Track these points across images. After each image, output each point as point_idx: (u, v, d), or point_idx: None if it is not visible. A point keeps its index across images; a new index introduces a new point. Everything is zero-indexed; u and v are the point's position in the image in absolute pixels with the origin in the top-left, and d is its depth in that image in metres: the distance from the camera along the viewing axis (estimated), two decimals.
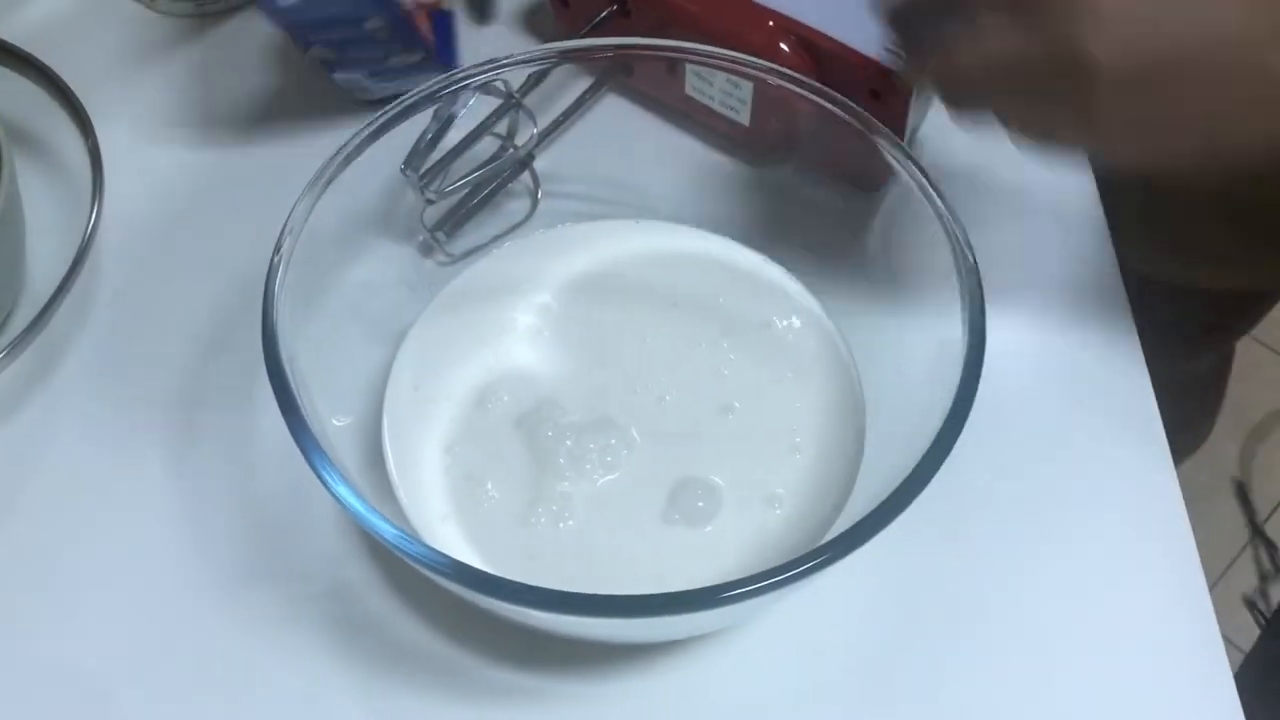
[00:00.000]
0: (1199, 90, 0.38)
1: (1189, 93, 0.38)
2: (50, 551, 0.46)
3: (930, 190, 0.43)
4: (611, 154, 0.56)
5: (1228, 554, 1.36)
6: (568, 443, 0.44)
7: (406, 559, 0.37)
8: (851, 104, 0.45)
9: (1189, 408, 1.15)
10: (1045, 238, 0.55)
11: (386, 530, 0.36)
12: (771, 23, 0.52)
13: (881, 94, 0.50)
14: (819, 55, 0.52)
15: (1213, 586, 0.45)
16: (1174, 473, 0.48)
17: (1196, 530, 0.46)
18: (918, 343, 0.43)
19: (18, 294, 0.52)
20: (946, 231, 0.42)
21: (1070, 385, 0.51)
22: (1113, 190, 0.56)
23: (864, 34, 0.49)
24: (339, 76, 0.55)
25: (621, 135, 0.57)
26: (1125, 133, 0.39)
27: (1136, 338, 0.52)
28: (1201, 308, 0.87)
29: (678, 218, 0.52)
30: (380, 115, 0.45)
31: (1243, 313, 0.94)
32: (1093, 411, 0.50)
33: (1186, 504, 0.47)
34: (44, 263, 0.53)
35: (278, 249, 0.41)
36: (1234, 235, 0.72)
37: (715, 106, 0.54)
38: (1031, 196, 0.56)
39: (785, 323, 0.48)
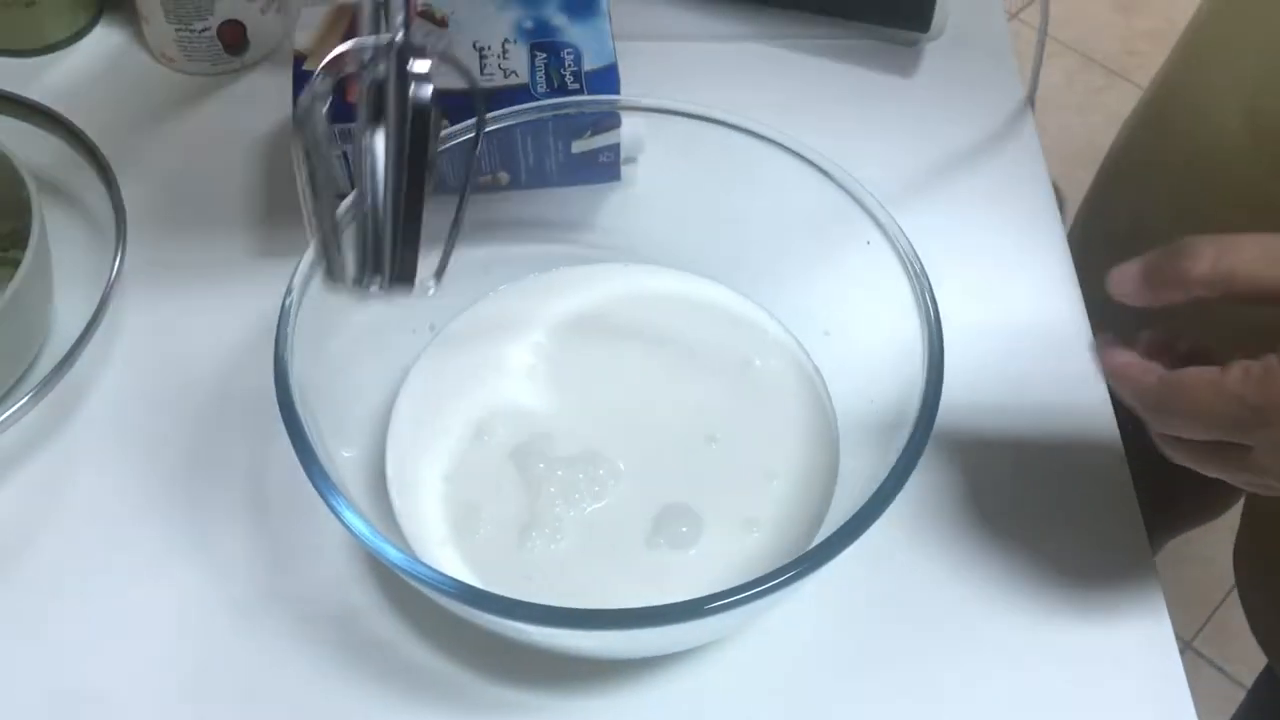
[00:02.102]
0: None
1: None
2: (74, 578, 0.49)
3: (902, 246, 0.46)
4: (602, 201, 0.59)
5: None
6: (559, 473, 0.48)
7: (410, 580, 0.40)
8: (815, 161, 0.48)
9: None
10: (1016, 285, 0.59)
11: (392, 554, 0.39)
12: None
13: None
14: None
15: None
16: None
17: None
18: (888, 384, 0.46)
19: (45, 338, 0.56)
20: (910, 281, 0.45)
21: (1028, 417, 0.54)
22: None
23: None
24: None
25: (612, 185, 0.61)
26: None
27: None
28: None
29: (663, 261, 0.55)
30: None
31: None
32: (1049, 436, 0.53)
33: None
34: (69, 308, 0.56)
35: (289, 292, 0.45)
36: None
37: None
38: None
39: (763, 361, 0.52)
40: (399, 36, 0.37)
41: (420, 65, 0.37)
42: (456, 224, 0.41)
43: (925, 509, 0.51)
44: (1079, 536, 0.51)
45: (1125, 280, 0.41)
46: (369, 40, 0.38)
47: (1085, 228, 0.84)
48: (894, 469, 0.40)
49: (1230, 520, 0.45)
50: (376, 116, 0.38)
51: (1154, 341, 0.42)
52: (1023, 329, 0.57)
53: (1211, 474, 0.41)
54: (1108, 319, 0.61)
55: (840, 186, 0.48)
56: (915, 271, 0.45)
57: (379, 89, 0.38)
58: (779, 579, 0.38)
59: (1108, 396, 0.54)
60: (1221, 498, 1.00)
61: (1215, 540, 1.22)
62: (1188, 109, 0.70)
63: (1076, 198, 0.87)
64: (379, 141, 0.38)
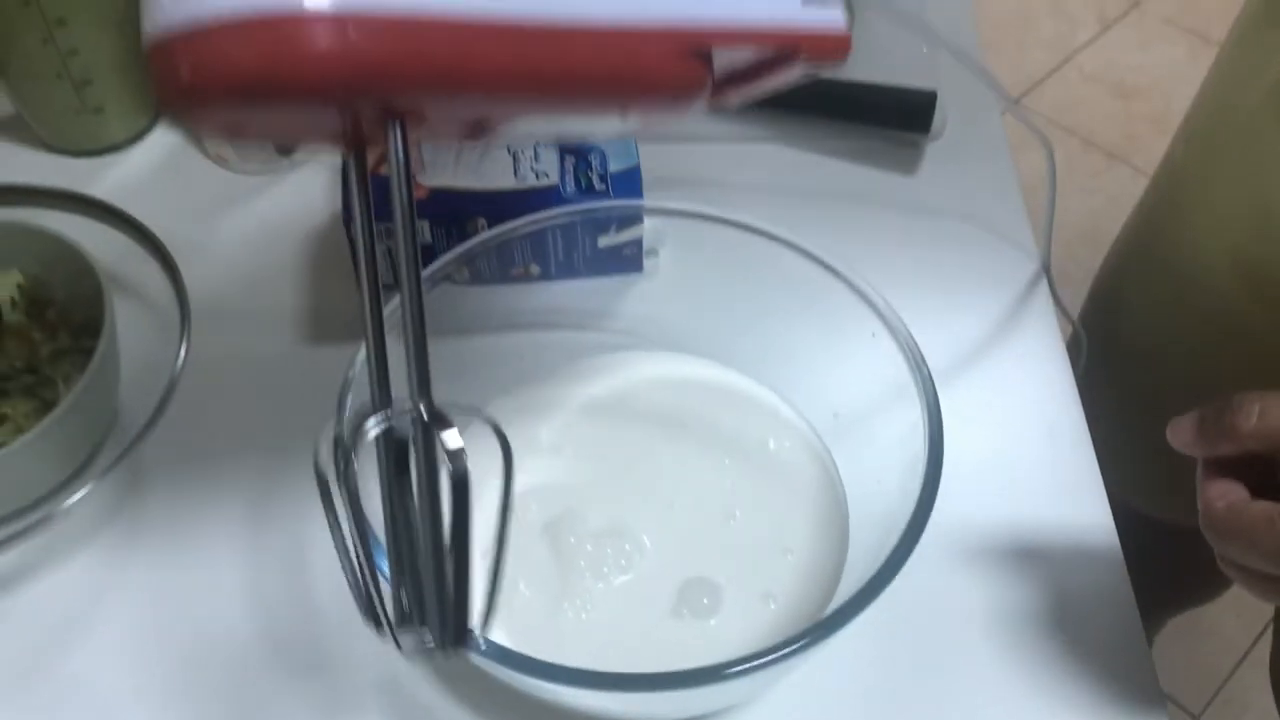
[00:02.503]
0: None
1: None
2: (133, 647, 0.53)
3: (900, 332, 0.50)
4: (626, 291, 0.63)
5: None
6: (588, 547, 0.51)
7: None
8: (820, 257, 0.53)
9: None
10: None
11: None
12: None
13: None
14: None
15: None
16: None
17: None
18: (893, 467, 0.50)
19: (113, 421, 0.60)
20: (911, 370, 0.49)
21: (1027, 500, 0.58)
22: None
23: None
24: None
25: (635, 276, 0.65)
26: None
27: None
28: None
29: (683, 348, 0.59)
30: (433, 270, 0.53)
31: None
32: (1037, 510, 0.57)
33: None
34: (135, 395, 0.60)
35: (351, 365, 0.49)
36: None
37: None
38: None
39: (778, 443, 0.56)
40: (422, 407, 0.35)
41: (452, 439, 0.34)
42: (498, 571, 0.39)
43: (929, 589, 0.54)
44: (1076, 627, 0.54)
45: (1182, 432, 0.44)
46: (381, 414, 0.35)
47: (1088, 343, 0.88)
48: (893, 551, 0.43)
49: (1243, 599, 0.48)
50: (400, 469, 0.36)
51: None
52: (1019, 415, 0.61)
53: (1264, 601, 0.44)
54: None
55: (847, 282, 0.52)
56: (916, 362, 0.49)
57: (400, 446, 0.36)
58: (788, 649, 0.42)
59: (1103, 489, 0.58)
60: (1216, 587, 1.03)
61: (1221, 613, 1.25)
62: (1173, 247, 0.73)
63: (1078, 275, 0.92)
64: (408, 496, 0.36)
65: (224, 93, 0.29)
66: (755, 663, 0.41)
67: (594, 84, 0.34)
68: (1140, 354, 0.65)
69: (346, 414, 0.38)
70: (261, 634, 0.53)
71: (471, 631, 0.37)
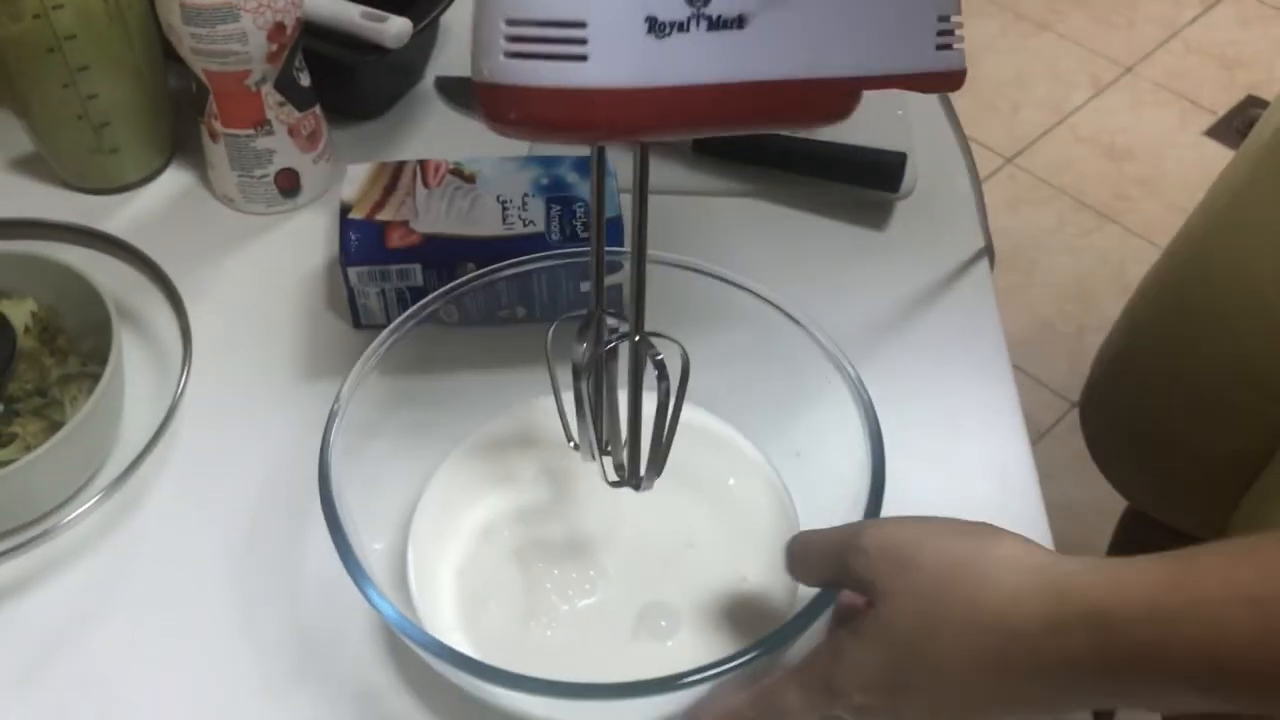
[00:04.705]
0: None
1: None
2: (131, 652, 0.56)
3: (850, 375, 0.54)
4: None
5: None
6: (555, 572, 0.55)
7: (428, 657, 0.46)
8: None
9: None
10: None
11: (416, 633, 0.47)
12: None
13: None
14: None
15: None
16: None
17: None
18: (842, 497, 0.54)
19: (114, 443, 0.64)
20: (859, 411, 0.53)
21: None
22: None
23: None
24: None
25: None
26: None
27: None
28: None
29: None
30: (420, 305, 0.57)
31: None
32: None
33: None
34: (137, 419, 0.64)
35: (336, 399, 0.53)
36: None
37: None
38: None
39: (738, 480, 0.59)
40: (636, 338, 0.50)
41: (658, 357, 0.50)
42: (669, 441, 0.51)
43: None
44: None
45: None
46: (613, 325, 0.51)
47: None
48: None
49: None
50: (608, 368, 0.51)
51: None
52: (972, 460, 0.65)
53: None
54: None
55: (805, 329, 0.56)
56: (864, 403, 0.53)
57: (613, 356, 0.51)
58: (733, 663, 0.45)
59: (1048, 530, 0.61)
60: None
61: None
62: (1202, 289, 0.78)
63: (1068, 330, 0.96)
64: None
65: (532, 130, 0.45)
66: (702, 675, 0.45)
67: (782, 118, 0.46)
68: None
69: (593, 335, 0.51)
70: (249, 646, 0.56)
71: (640, 476, 0.52)
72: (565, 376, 0.52)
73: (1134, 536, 1.08)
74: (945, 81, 0.47)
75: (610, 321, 0.51)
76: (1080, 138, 2.08)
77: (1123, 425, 0.90)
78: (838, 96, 0.45)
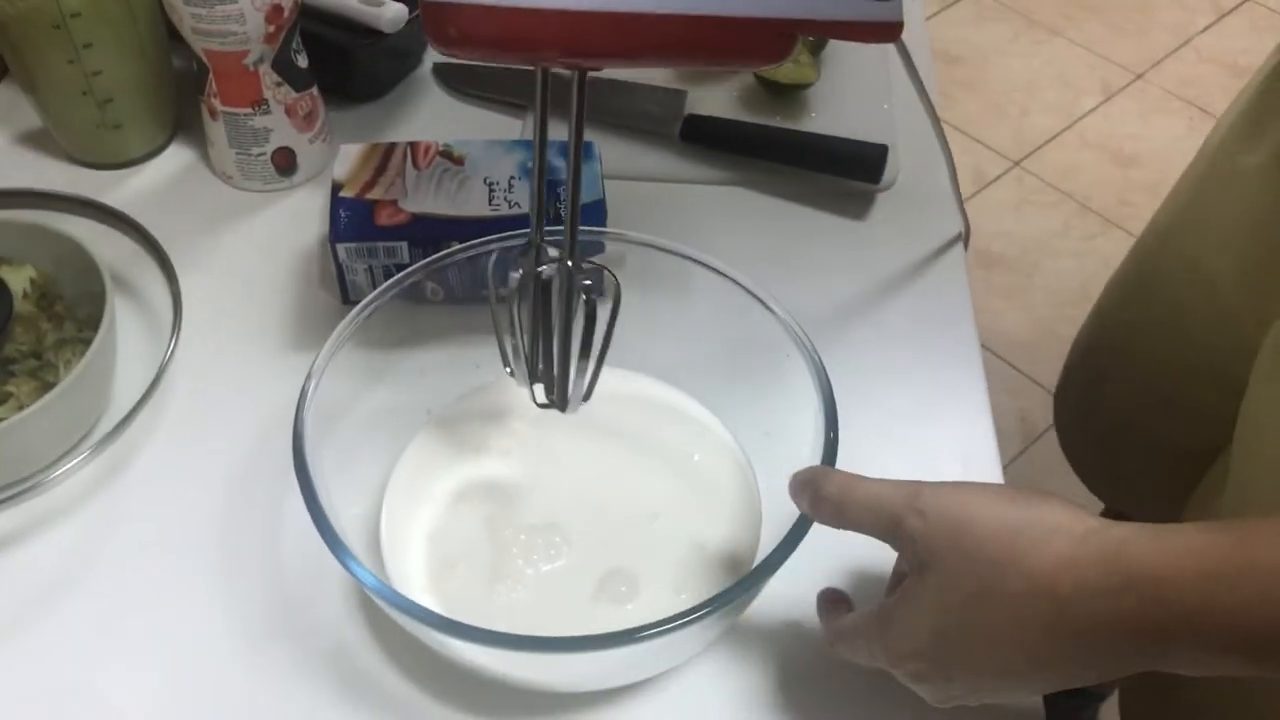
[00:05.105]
0: None
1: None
2: (117, 605, 0.59)
3: (811, 355, 0.56)
4: None
5: None
6: (522, 538, 0.57)
7: (398, 614, 0.48)
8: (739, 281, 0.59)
9: None
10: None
11: (385, 591, 0.48)
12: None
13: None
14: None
15: None
16: None
17: None
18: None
19: (105, 406, 0.66)
20: (818, 389, 0.55)
21: None
22: None
23: None
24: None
25: None
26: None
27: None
28: None
29: (632, 366, 0.65)
30: (392, 282, 0.59)
31: None
32: None
33: None
34: (128, 382, 0.66)
35: (309, 377, 0.55)
36: None
37: None
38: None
39: (702, 455, 0.61)
40: (570, 263, 0.52)
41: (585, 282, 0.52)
42: (600, 361, 0.54)
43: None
44: None
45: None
46: (551, 255, 0.53)
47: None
48: (777, 547, 0.49)
49: None
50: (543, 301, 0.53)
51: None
52: (936, 444, 0.66)
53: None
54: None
55: (770, 310, 0.58)
56: (822, 382, 0.55)
57: (546, 284, 0.53)
58: (687, 618, 0.47)
59: None
60: None
61: None
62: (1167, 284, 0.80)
63: (1067, 333, 0.97)
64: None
65: (471, 48, 0.47)
66: (655, 630, 0.46)
67: (719, 55, 0.49)
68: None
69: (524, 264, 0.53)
70: (229, 602, 0.59)
71: (568, 399, 0.55)
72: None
73: None
74: (881, 32, 0.48)
75: (552, 252, 0.53)
76: (1088, 143, 2.09)
77: (1087, 418, 0.91)
78: (774, 37, 0.47)
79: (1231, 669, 0.40)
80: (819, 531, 0.50)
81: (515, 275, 0.53)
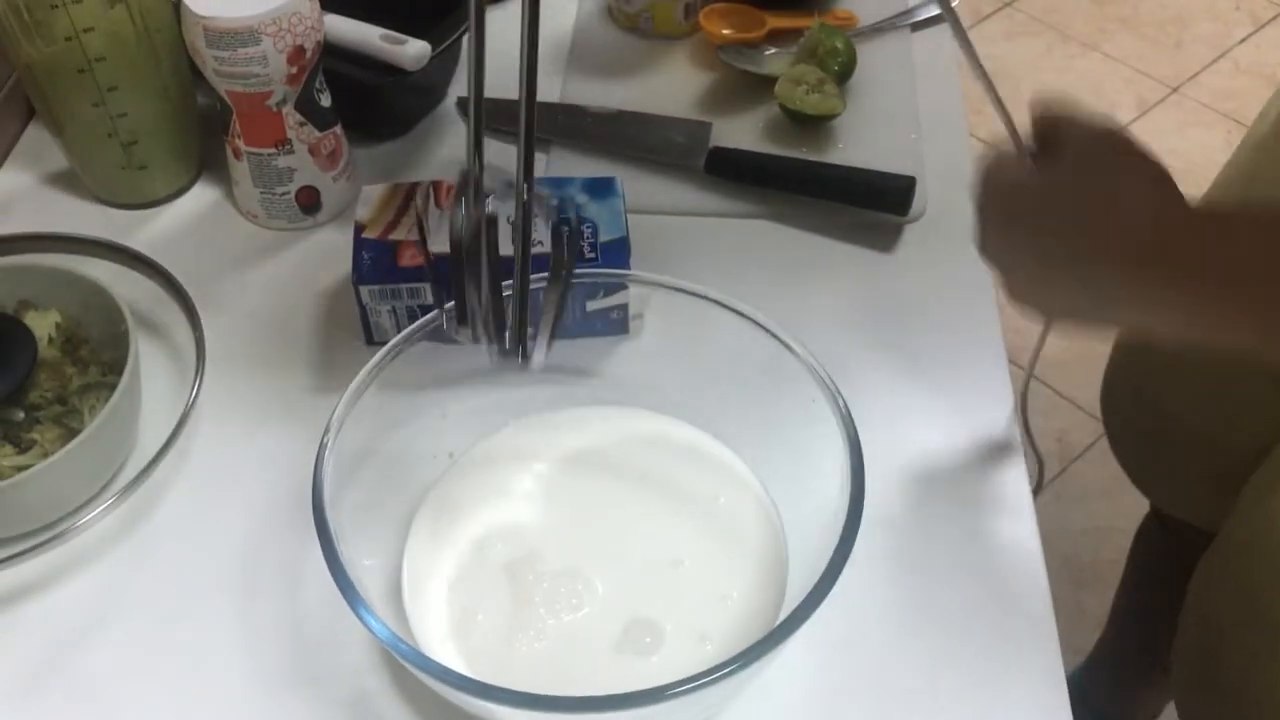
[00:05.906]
0: None
1: None
2: (138, 651, 0.59)
3: (837, 399, 0.55)
4: (611, 351, 0.68)
5: None
6: (544, 585, 0.56)
7: (415, 670, 0.48)
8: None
9: None
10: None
11: (402, 648, 0.48)
12: None
13: None
14: None
15: None
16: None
17: None
18: (830, 524, 0.54)
19: (130, 451, 0.66)
20: (843, 434, 0.54)
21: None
22: None
23: None
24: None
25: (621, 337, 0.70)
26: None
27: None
28: None
29: (657, 406, 0.64)
30: (410, 331, 0.59)
31: None
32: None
33: None
34: (152, 426, 0.66)
35: (327, 430, 0.54)
36: None
37: None
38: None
39: (727, 498, 0.60)
40: (525, 196, 0.52)
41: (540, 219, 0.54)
42: (559, 317, 0.55)
43: (865, 641, 0.58)
44: (998, 662, 0.58)
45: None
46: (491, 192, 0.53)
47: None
48: (807, 596, 0.48)
49: None
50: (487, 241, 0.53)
51: None
52: (967, 480, 0.65)
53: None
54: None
55: (795, 354, 0.57)
56: (848, 428, 0.54)
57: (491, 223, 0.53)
58: (714, 675, 0.46)
59: (1040, 561, 0.62)
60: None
61: None
62: None
63: (1104, 351, 0.96)
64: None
65: None
66: (681, 689, 0.46)
67: None
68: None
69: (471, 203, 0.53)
70: (250, 650, 0.58)
71: (524, 350, 0.54)
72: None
73: (1152, 548, 1.07)
74: None
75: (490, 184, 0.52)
76: None
77: (1136, 415, 0.89)
78: None
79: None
80: (848, 573, 0.49)
81: (459, 216, 0.52)
